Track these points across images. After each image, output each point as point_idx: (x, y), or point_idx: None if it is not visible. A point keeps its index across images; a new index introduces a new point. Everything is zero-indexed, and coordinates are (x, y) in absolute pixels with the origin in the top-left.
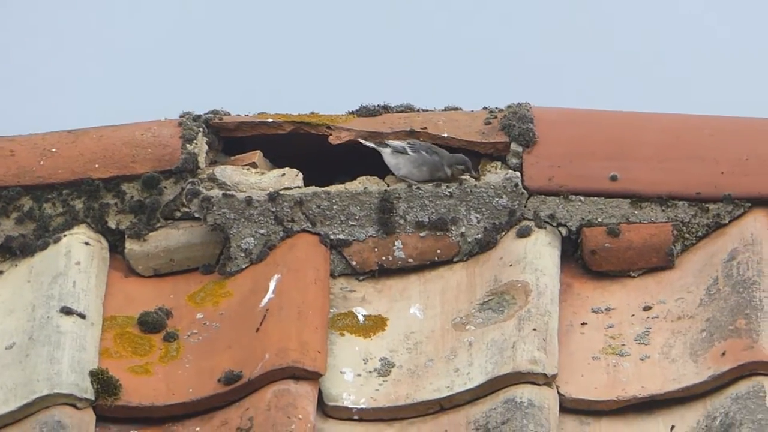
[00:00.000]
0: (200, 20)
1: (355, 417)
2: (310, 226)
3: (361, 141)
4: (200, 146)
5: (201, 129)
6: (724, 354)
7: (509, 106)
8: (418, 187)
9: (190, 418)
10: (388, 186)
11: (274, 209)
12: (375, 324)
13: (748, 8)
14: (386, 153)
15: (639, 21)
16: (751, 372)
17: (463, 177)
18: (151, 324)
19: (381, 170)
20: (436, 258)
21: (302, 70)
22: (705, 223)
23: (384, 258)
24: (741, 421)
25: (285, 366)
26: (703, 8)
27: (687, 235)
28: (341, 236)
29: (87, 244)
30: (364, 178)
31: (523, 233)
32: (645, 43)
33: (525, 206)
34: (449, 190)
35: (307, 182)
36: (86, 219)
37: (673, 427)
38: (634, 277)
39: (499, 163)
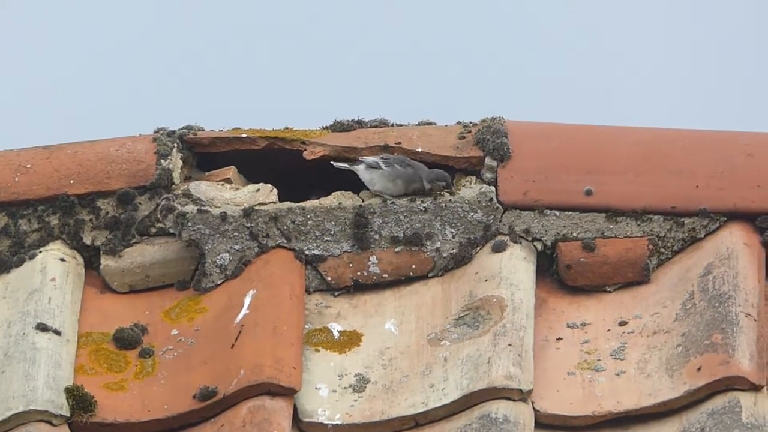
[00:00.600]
0: (174, 35)
1: None
2: (285, 241)
3: (334, 164)
4: (175, 162)
5: (175, 145)
6: (699, 369)
7: (483, 121)
8: (392, 202)
9: None
10: (363, 201)
11: (248, 225)
12: (350, 339)
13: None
14: (360, 169)
15: (616, 29)
16: (726, 387)
17: (443, 193)
18: (127, 340)
19: (356, 185)
20: (411, 273)
21: (276, 85)
22: (680, 237)
23: (359, 273)
24: None
25: (260, 382)
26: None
27: (663, 250)
28: (316, 252)
29: (62, 260)
30: (338, 193)
31: (498, 248)
32: (620, 53)
33: (500, 221)
34: (424, 205)
35: (281, 198)
36: (61, 235)
37: None
38: (609, 291)
39: (473, 178)
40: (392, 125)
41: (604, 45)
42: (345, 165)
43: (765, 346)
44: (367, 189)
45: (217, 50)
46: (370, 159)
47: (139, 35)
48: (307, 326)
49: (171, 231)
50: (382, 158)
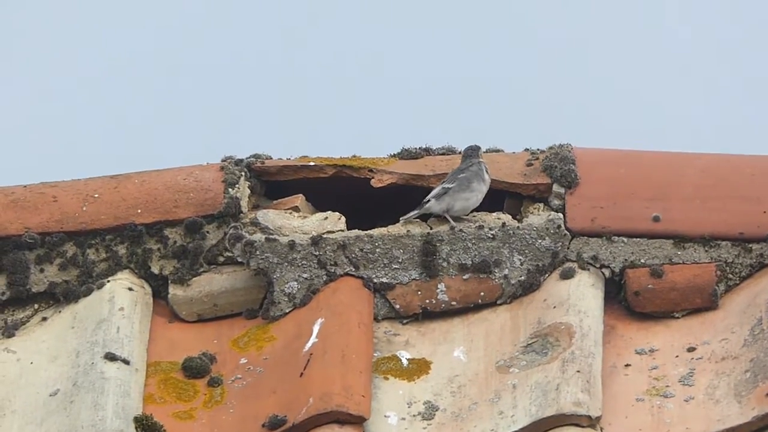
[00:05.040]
0: (242, 64)
1: None
2: (353, 269)
3: (402, 219)
4: (242, 190)
5: (243, 173)
6: None
7: (551, 147)
8: (460, 230)
9: None
10: (431, 229)
11: (317, 253)
12: (419, 367)
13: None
14: (433, 205)
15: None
16: None
17: (475, 161)
18: (195, 369)
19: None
20: (480, 300)
21: (344, 113)
22: (748, 263)
23: (427, 301)
24: None
25: (329, 410)
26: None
27: (730, 276)
28: (384, 279)
29: (130, 289)
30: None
31: (567, 275)
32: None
33: (568, 248)
34: (492, 232)
35: (349, 226)
36: (129, 264)
37: None
38: (677, 318)
39: (541, 205)
40: (460, 152)
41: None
42: (414, 212)
43: None
44: (437, 217)
45: (285, 79)
46: (433, 193)
47: (209, 63)
48: (375, 354)
49: (239, 260)
50: (440, 184)
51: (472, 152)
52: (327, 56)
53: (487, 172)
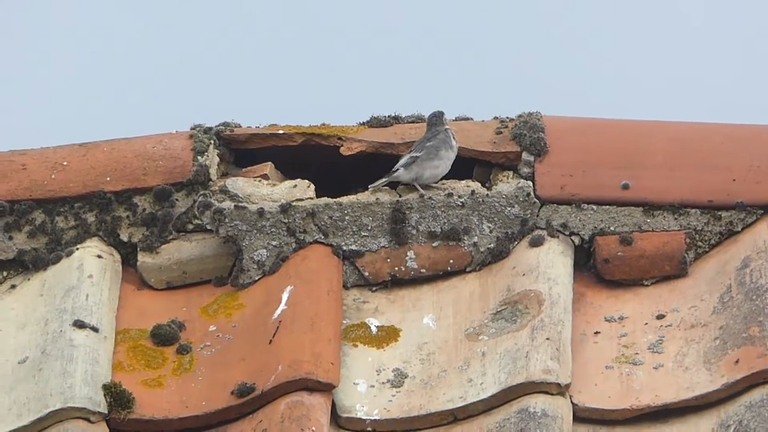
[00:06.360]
0: (210, 32)
1: (369, 428)
2: (323, 237)
3: (371, 187)
4: (211, 158)
5: (212, 141)
6: (737, 362)
7: (520, 116)
8: (430, 198)
9: (204, 431)
10: (400, 196)
11: (286, 221)
12: (388, 335)
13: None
14: (402, 174)
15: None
16: (764, 380)
17: (441, 128)
18: (164, 337)
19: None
20: (449, 268)
21: (313, 81)
22: (718, 230)
23: (397, 268)
24: (755, 429)
25: (298, 378)
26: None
27: (700, 243)
28: (354, 247)
29: (99, 257)
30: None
31: (536, 242)
32: (647, 49)
33: (537, 215)
34: (461, 200)
35: (318, 193)
36: (98, 232)
37: None
38: (647, 285)
39: (510, 173)
40: None
41: (631, 38)
42: (383, 180)
43: None
44: (406, 185)
45: (252, 47)
46: (401, 161)
47: (175, 31)
48: (344, 321)
49: (208, 227)
50: (408, 152)
51: (437, 119)
52: (297, 22)
53: (454, 138)
